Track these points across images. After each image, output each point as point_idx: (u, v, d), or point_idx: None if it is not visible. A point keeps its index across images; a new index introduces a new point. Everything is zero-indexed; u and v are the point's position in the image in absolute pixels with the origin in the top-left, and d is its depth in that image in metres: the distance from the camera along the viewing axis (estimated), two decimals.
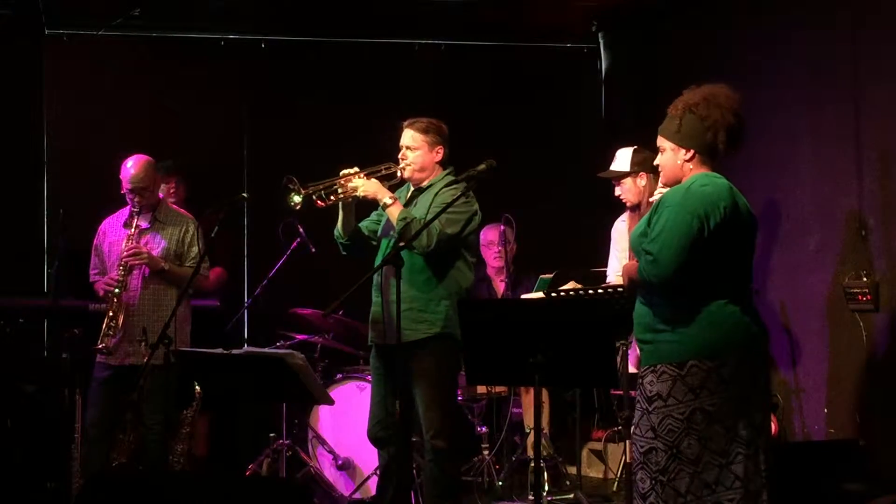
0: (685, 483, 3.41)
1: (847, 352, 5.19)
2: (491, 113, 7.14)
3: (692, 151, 3.57)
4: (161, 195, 5.53)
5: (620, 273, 5.43)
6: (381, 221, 4.81)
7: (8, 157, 6.75)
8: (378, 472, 4.85)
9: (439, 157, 4.73)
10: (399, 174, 4.72)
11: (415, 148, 4.70)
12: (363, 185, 4.59)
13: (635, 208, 5.36)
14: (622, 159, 5.32)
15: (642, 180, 5.28)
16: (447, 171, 4.74)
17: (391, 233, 4.63)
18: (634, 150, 5.33)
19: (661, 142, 3.64)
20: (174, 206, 5.60)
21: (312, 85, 7.25)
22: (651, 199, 3.77)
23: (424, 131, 4.70)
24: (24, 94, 6.88)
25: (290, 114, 7.20)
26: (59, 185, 6.92)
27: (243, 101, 7.18)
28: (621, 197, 5.38)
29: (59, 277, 5.55)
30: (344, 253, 4.83)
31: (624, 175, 5.29)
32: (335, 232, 4.76)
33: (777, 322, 5.54)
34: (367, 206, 4.78)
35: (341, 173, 4.62)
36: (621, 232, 5.54)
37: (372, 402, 4.73)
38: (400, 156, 4.73)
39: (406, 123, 4.76)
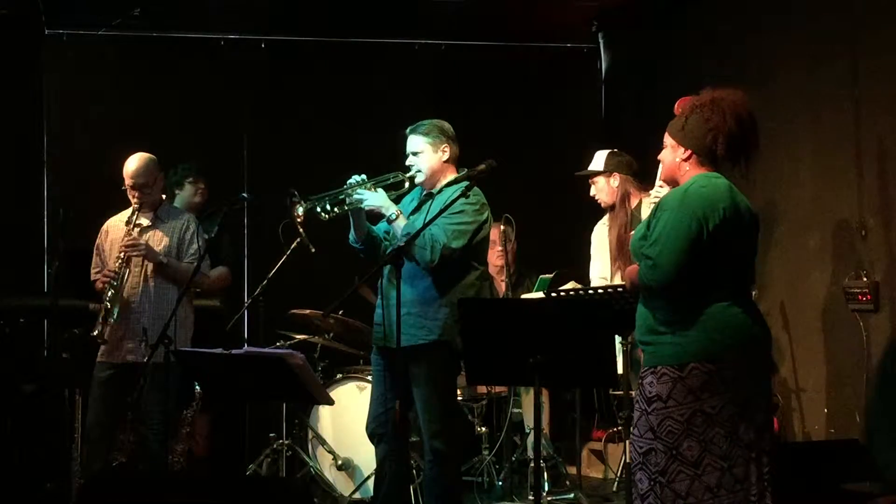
0: (685, 485, 3.41)
1: (847, 352, 5.18)
2: (491, 113, 7.14)
3: (689, 151, 3.57)
4: (194, 195, 5.83)
5: (603, 276, 5.50)
6: None
7: (8, 157, 6.76)
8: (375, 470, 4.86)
9: (446, 155, 4.67)
10: (408, 183, 4.68)
11: (419, 152, 4.66)
12: (368, 197, 4.52)
13: (611, 209, 5.43)
14: (598, 160, 5.44)
15: (615, 180, 5.40)
16: (460, 173, 4.62)
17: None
18: (610, 153, 5.45)
19: (666, 137, 3.65)
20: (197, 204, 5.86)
21: (312, 85, 7.25)
22: (654, 199, 3.76)
23: (425, 133, 4.66)
24: (24, 94, 6.89)
25: (290, 114, 7.20)
26: (59, 185, 6.92)
27: (243, 101, 7.18)
28: (595, 197, 5.48)
29: (59, 277, 5.54)
30: (362, 256, 4.79)
31: (597, 174, 5.40)
32: (350, 238, 4.71)
33: (777, 322, 5.54)
34: None
35: (347, 183, 4.55)
36: (601, 235, 5.58)
37: (371, 398, 4.73)
38: (407, 163, 4.69)
39: (408, 130, 4.71)
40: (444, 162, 4.68)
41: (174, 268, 5.24)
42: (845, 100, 5.18)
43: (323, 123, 7.14)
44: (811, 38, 5.44)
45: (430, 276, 4.54)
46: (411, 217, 4.63)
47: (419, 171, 4.66)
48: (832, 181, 5.29)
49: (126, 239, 5.18)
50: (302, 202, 4.48)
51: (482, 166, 4.36)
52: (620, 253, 5.30)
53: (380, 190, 4.57)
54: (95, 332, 5.10)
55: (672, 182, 3.64)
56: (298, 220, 4.50)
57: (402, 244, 4.31)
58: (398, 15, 7.04)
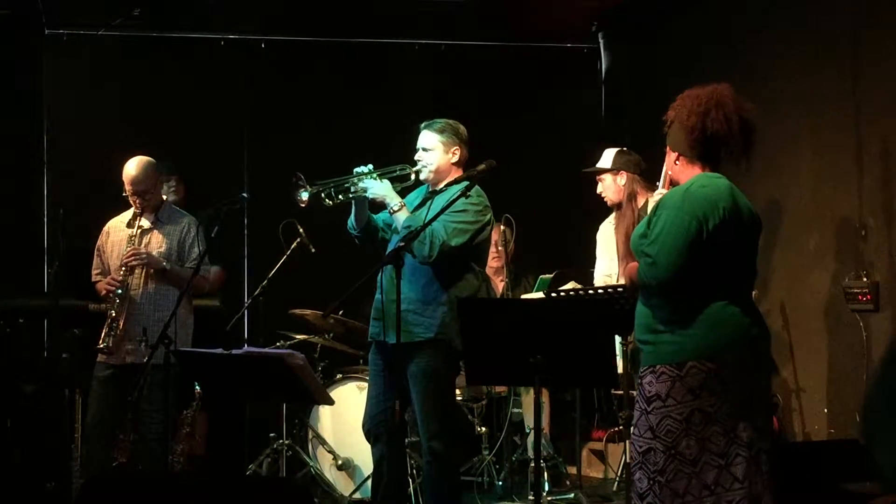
0: (683, 484, 3.41)
1: (847, 352, 5.18)
2: (491, 113, 7.13)
3: (676, 153, 3.58)
4: (166, 193, 5.58)
5: (608, 274, 5.49)
6: None
7: (8, 157, 6.76)
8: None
9: (455, 158, 4.66)
10: (413, 176, 4.67)
11: (430, 149, 4.65)
12: (373, 186, 4.53)
13: (618, 207, 5.42)
14: (606, 158, 5.43)
15: (622, 179, 5.39)
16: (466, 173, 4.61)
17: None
18: (619, 151, 5.43)
19: None
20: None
21: (312, 85, 7.25)
22: (653, 199, 3.76)
23: (440, 132, 4.65)
24: (24, 94, 6.89)
25: (290, 114, 7.20)
26: (59, 185, 6.93)
27: (243, 101, 7.18)
28: (602, 194, 5.47)
29: (59, 277, 5.55)
30: (358, 244, 4.80)
31: (604, 171, 5.39)
32: (349, 223, 4.73)
33: (777, 322, 5.54)
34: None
35: (354, 171, 4.57)
36: (607, 233, 5.57)
37: (368, 397, 4.73)
38: (416, 157, 4.69)
39: (423, 125, 4.71)
40: (453, 164, 4.67)
41: (176, 273, 5.24)
42: (845, 100, 5.18)
43: (323, 123, 7.14)
44: (811, 39, 5.45)
45: (429, 274, 4.54)
46: (414, 212, 4.63)
47: (426, 166, 4.66)
48: (832, 181, 5.30)
49: (128, 250, 5.19)
50: (307, 187, 4.49)
51: (482, 166, 4.36)
52: (627, 251, 5.30)
53: (385, 180, 4.58)
54: (102, 345, 5.12)
55: (676, 184, 3.65)
56: (303, 205, 4.51)
57: (402, 244, 4.30)
58: (398, 15, 7.04)
